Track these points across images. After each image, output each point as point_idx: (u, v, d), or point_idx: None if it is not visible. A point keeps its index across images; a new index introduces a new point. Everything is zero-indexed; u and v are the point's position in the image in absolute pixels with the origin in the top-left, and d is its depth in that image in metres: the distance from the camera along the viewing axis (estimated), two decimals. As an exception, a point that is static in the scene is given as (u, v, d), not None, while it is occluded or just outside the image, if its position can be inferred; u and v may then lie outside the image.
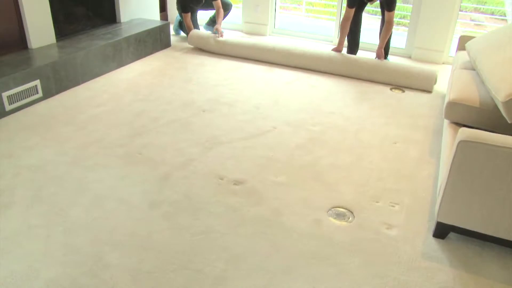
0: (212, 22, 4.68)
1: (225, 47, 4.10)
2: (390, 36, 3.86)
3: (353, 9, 3.64)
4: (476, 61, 2.48)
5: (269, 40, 4.50)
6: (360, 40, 4.02)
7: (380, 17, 3.92)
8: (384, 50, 3.84)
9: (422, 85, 3.49)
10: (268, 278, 1.66)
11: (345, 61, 3.70)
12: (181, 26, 4.73)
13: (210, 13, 4.83)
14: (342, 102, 3.25)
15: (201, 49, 4.28)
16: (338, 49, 3.85)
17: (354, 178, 2.32)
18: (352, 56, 3.74)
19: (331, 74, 3.79)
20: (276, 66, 3.93)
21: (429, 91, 3.49)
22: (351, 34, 3.93)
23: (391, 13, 3.61)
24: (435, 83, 3.48)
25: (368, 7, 4.06)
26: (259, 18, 4.94)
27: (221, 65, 3.92)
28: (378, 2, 3.67)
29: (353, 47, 4.01)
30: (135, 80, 3.52)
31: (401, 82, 3.55)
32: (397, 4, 3.58)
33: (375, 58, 3.73)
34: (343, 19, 3.71)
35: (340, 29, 3.76)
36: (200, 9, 4.58)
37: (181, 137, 2.66)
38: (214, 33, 4.21)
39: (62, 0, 3.55)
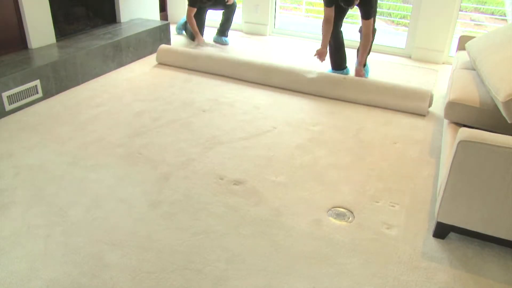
0: (220, 33, 4.61)
1: (192, 63, 3.74)
2: (373, 41, 3.49)
3: (332, 8, 3.33)
4: (476, 61, 2.48)
5: (244, 56, 4.22)
6: (345, 54, 3.63)
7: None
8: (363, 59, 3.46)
9: (415, 109, 3.07)
10: (268, 278, 1.66)
11: (330, 82, 3.29)
12: (185, 26, 4.72)
13: (215, 17, 4.81)
14: (342, 101, 3.25)
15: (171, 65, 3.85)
16: (322, 52, 3.45)
17: (354, 178, 2.32)
18: (339, 78, 3.29)
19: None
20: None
21: (423, 115, 3.06)
22: (335, 50, 3.59)
23: (368, 21, 3.22)
24: (430, 105, 3.07)
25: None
26: (259, 18, 4.94)
27: (221, 65, 3.92)
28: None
29: (339, 62, 3.64)
30: (135, 80, 3.52)
31: (391, 106, 3.14)
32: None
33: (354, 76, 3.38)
34: (323, 20, 3.37)
35: (322, 30, 3.40)
36: (209, 8, 4.54)
37: (181, 137, 2.66)
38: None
39: (62, 0, 3.55)
